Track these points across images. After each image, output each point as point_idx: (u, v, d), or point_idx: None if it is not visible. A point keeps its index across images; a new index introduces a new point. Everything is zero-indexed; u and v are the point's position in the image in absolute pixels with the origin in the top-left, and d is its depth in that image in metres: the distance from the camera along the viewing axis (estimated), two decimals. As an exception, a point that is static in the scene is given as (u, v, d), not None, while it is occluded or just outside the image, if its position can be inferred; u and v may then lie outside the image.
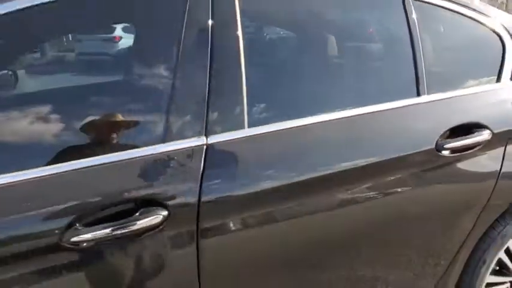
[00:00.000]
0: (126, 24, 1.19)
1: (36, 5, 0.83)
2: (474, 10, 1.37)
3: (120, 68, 1.03)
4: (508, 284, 1.45)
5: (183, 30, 0.95)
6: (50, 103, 0.94)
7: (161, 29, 0.98)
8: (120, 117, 0.91)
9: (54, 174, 0.81)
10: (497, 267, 1.40)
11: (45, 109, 0.90)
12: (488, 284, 1.40)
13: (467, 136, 1.19)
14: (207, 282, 0.93)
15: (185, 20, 0.96)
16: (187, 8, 0.96)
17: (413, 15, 1.22)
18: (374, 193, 1.11)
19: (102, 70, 1.00)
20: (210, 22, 0.98)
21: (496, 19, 1.42)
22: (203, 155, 0.92)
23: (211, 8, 0.97)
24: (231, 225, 0.95)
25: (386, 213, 1.15)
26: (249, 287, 1.03)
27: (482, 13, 1.39)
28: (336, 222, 1.09)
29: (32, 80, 1.08)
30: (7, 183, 0.78)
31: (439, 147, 1.16)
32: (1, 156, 0.84)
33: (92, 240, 0.82)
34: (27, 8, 0.83)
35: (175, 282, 0.92)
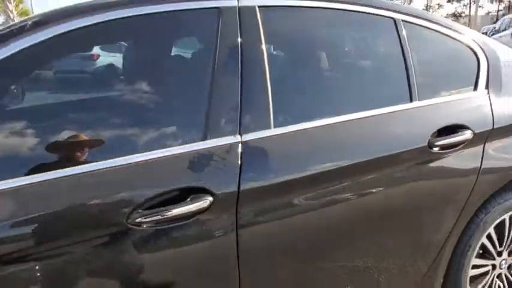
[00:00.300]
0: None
1: None
2: (452, 29, 1.62)
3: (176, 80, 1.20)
4: (490, 267, 1.66)
5: (217, 48, 1.13)
6: (125, 108, 1.10)
7: (201, 48, 1.16)
8: (172, 119, 1.08)
9: (126, 164, 0.97)
10: (481, 251, 1.60)
11: (120, 111, 1.07)
12: (474, 267, 1.60)
13: (454, 135, 1.41)
14: (244, 256, 1.09)
15: (218, 39, 1.14)
16: (219, 29, 1.15)
17: (404, 36, 1.45)
18: (379, 185, 1.30)
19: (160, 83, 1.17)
20: (239, 40, 1.17)
21: (469, 36, 1.67)
22: (239, 150, 1.10)
23: (240, 29, 1.16)
24: (264, 209, 1.12)
25: (390, 203, 1.34)
26: (278, 261, 1.19)
27: (459, 32, 1.63)
28: (345, 209, 1.27)
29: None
30: (96, 169, 0.94)
31: (430, 145, 1.36)
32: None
33: (152, 221, 0.98)
34: None
35: (218, 256, 1.08)
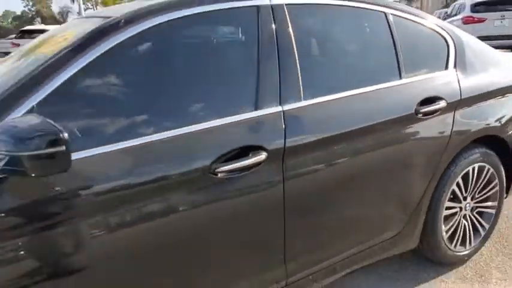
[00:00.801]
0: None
1: None
2: (427, 19, 2.02)
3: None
4: (458, 209, 2.10)
5: (259, 39, 1.46)
6: (206, 85, 1.41)
7: (248, 39, 1.48)
8: (236, 94, 1.41)
9: (207, 127, 1.29)
10: (452, 196, 2.04)
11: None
12: (446, 208, 2.04)
13: (433, 104, 1.81)
14: (288, 194, 1.44)
15: (259, 31, 1.47)
16: (259, 23, 1.48)
17: (393, 26, 1.83)
18: (380, 144, 1.69)
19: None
20: (274, 31, 1.50)
21: (440, 25, 2.08)
22: (282, 117, 1.44)
23: (274, 27, 1.50)
24: (301, 160, 1.47)
25: (387, 158, 1.73)
26: (311, 199, 1.55)
27: (432, 21, 2.04)
28: (355, 162, 1.64)
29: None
30: (189, 131, 1.25)
31: (416, 112, 1.76)
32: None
33: (229, 170, 1.31)
34: None
35: (271, 195, 1.42)
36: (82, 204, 1.12)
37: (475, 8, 10.79)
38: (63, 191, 1.09)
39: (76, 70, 1.18)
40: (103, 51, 1.23)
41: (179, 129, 1.26)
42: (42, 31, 13.69)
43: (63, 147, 0.95)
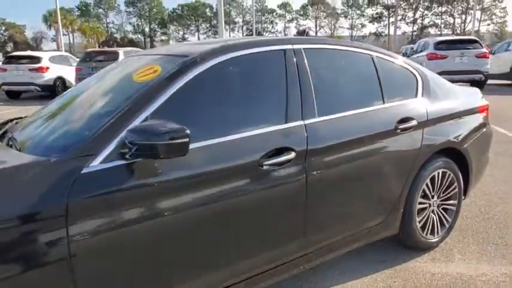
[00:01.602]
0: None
1: None
2: (401, 60, 2.70)
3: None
4: (428, 204, 2.71)
5: (286, 72, 2.06)
6: (259, 104, 1.99)
7: (279, 72, 2.08)
8: (274, 112, 2.00)
9: (258, 134, 1.86)
10: (423, 194, 2.65)
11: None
12: (419, 203, 2.64)
13: (406, 123, 2.44)
14: (310, 184, 2.00)
15: (286, 67, 2.07)
16: (285, 61, 2.08)
17: (378, 65, 2.48)
18: (369, 151, 2.29)
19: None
20: (295, 67, 2.10)
21: (410, 64, 2.76)
22: (304, 128, 2.02)
23: (296, 65, 2.10)
24: (318, 160, 2.04)
25: (374, 162, 2.33)
26: (327, 190, 2.11)
27: (404, 61, 2.72)
28: (354, 164, 2.23)
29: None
30: (247, 136, 1.81)
31: (395, 128, 2.39)
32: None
33: (271, 164, 1.86)
34: None
35: (298, 184, 1.98)
36: (186, 177, 1.66)
37: (437, 46, 11.98)
38: (178, 168, 1.63)
39: (172, 93, 1.73)
40: (188, 80, 1.79)
41: (239, 134, 1.83)
42: (29, 57, 13.99)
43: (187, 139, 1.49)
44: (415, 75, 2.75)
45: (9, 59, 13.89)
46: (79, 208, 1.44)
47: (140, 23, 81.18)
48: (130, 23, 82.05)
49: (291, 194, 1.98)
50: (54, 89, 13.64)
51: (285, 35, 75.37)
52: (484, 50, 12.02)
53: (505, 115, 7.35)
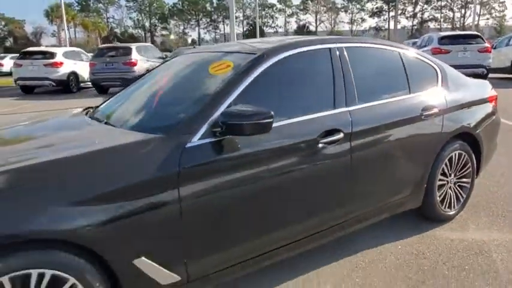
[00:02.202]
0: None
1: None
2: (424, 56, 3.09)
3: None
4: (446, 181, 3.11)
5: (332, 67, 2.46)
6: (317, 94, 2.38)
7: (327, 67, 2.47)
8: (325, 100, 2.39)
9: (317, 116, 2.26)
10: (442, 172, 3.06)
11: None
12: (439, 180, 3.04)
13: (430, 110, 2.84)
14: (354, 159, 2.40)
15: (332, 62, 2.47)
16: (331, 58, 2.48)
17: (405, 61, 2.88)
18: (399, 134, 2.68)
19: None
20: (339, 62, 2.50)
21: (431, 59, 3.15)
22: (349, 113, 2.42)
23: (340, 61, 2.49)
24: (360, 141, 2.44)
25: (403, 144, 2.72)
26: (367, 164, 2.51)
27: (426, 57, 3.11)
28: (386, 144, 2.63)
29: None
30: (311, 118, 2.22)
31: (420, 114, 2.79)
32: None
33: (325, 142, 2.26)
34: None
35: (344, 159, 2.38)
36: (268, 150, 2.06)
37: (441, 41, 12.35)
38: (256, 143, 2.02)
39: (247, 84, 2.13)
40: (258, 73, 2.18)
41: (299, 117, 2.23)
42: (43, 52, 14.32)
43: (271, 120, 1.89)
44: (435, 68, 3.15)
45: (24, 55, 14.23)
46: (186, 174, 1.83)
47: (140, 18, 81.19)
48: (130, 18, 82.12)
49: (338, 168, 2.39)
50: (68, 83, 14.03)
51: (286, 30, 75.71)
52: (486, 44, 12.42)
53: (506, 106, 7.82)
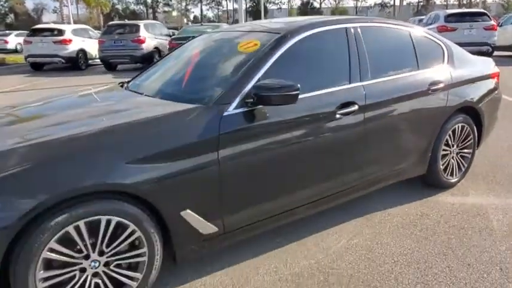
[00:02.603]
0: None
1: None
2: (432, 35, 3.32)
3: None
4: (449, 151, 3.39)
5: (348, 45, 2.71)
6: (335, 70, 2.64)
7: (343, 45, 2.71)
8: (342, 76, 2.65)
9: (334, 90, 2.53)
10: (445, 143, 3.33)
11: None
12: (443, 150, 3.32)
13: (436, 85, 3.10)
14: (367, 129, 2.68)
15: (348, 41, 2.72)
16: (347, 37, 2.72)
17: (414, 40, 3.12)
18: (407, 107, 2.94)
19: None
20: (355, 40, 2.74)
21: (439, 38, 3.39)
22: (363, 87, 2.68)
23: (355, 39, 2.74)
24: (371, 112, 2.71)
25: (412, 116, 2.99)
26: (377, 133, 2.79)
27: (434, 36, 3.34)
28: (394, 115, 2.90)
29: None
30: (325, 92, 2.48)
31: (428, 89, 3.04)
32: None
33: (342, 113, 2.54)
34: None
35: (360, 128, 2.65)
36: (292, 119, 2.34)
37: (447, 18, 12.41)
38: (282, 112, 2.30)
39: (273, 60, 2.39)
40: (283, 51, 2.44)
41: (320, 91, 2.49)
42: (52, 30, 14.45)
43: (298, 92, 2.16)
44: (442, 47, 3.38)
45: (33, 32, 14.37)
46: (224, 139, 2.11)
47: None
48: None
49: (353, 137, 2.66)
50: (77, 60, 14.21)
51: (290, 6, 74.71)
52: (492, 22, 12.48)
53: (507, 83, 8.03)
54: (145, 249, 1.98)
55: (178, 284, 2.25)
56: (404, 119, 2.96)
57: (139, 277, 2.00)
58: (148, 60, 13.77)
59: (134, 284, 1.99)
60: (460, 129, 3.38)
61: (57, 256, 1.77)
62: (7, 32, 29.40)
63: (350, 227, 2.85)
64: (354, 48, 2.74)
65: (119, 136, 1.98)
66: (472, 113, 3.44)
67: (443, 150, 3.34)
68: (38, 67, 14.48)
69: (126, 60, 13.58)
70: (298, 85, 2.17)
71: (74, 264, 1.82)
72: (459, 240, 2.66)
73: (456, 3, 68.19)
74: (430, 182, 3.44)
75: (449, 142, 3.36)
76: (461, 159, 3.51)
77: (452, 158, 3.44)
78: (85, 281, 1.87)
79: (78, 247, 1.82)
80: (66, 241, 1.78)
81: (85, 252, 1.84)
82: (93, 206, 1.81)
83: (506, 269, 2.33)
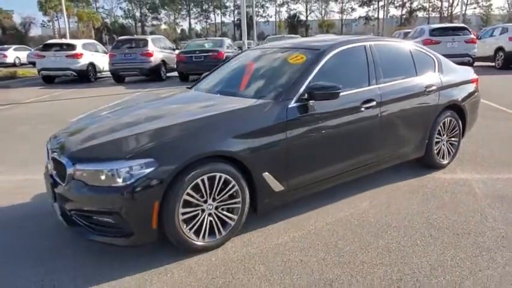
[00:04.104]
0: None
1: None
2: (425, 49, 4.33)
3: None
4: (441, 139, 4.37)
5: (367, 57, 3.69)
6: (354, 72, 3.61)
7: (363, 58, 3.69)
8: (362, 80, 3.62)
9: (358, 91, 3.50)
10: (438, 132, 4.31)
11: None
12: (436, 138, 4.29)
13: (431, 87, 4.09)
14: (381, 121, 3.64)
15: (366, 55, 3.70)
16: (366, 52, 3.71)
17: (413, 54, 4.13)
18: (409, 104, 3.92)
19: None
20: (371, 54, 3.73)
21: (431, 52, 4.40)
22: (378, 89, 3.65)
23: (371, 53, 3.73)
24: (385, 106, 3.67)
25: (411, 112, 3.96)
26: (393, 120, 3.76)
27: (427, 50, 4.36)
28: (400, 111, 3.86)
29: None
30: (353, 92, 3.45)
31: (424, 90, 4.03)
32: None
33: (365, 107, 3.49)
34: None
35: (375, 119, 3.61)
36: (332, 110, 3.27)
37: (432, 32, 13.67)
38: (339, 104, 3.24)
39: (317, 69, 3.34)
40: (323, 62, 3.39)
41: (349, 91, 3.44)
42: (64, 44, 15.25)
43: (340, 91, 3.10)
44: (432, 58, 4.39)
45: (45, 47, 15.16)
46: (289, 123, 3.04)
47: (131, 8, 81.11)
48: (120, 8, 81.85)
49: (373, 125, 3.62)
50: (87, 73, 15.02)
51: (279, 19, 76.46)
52: (472, 36, 13.76)
53: (487, 90, 9.20)
54: (239, 199, 2.88)
55: (254, 228, 3.14)
56: (408, 113, 3.94)
57: (235, 218, 2.90)
58: (155, 72, 14.68)
59: (232, 222, 2.89)
60: (448, 122, 4.36)
61: (191, 199, 2.66)
62: (5, 46, 30.05)
63: (369, 193, 3.79)
64: (370, 59, 3.72)
65: (225, 120, 2.90)
66: (457, 109, 4.43)
67: (436, 138, 4.31)
68: (49, 80, 15.24)
69: (135, 73, 14.45)
70: (340, 86, 3.12)
71: (198, 205, 2.72)
72: (451, 200, 3.62)
73: (438, 16, 70.92)
74: (426, 163, 4.40)
75: (441, 132, 4.35)
76: (450, 146, 4.49)
77: (443, 144, 4.42)
78: (203, 218, 2.76)
79: (201, 194, 2.71)
80: (196, 189, 2.68)
81: (205, 198, 2.74)
82: (212, 166, 2.72)
83: (485, 214, 3.29)
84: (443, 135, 4.39)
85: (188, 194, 2.64)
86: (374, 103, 3.56)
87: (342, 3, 77.84)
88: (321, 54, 3.46)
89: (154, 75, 14.63)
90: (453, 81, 4.41)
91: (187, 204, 2.66)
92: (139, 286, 2.45)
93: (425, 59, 4.33)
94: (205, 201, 2.75)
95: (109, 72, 15.73)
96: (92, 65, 15.20)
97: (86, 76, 14.97)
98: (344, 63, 3.64)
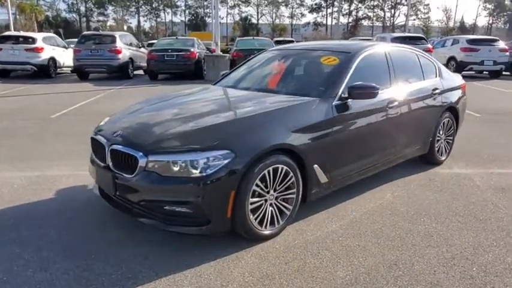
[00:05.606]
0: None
1: None
2: (429, 57, 4.78)
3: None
4: (441, 137, 4.82)
5: (387, 61, 4.03)
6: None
7: (385, 63, 4.02)
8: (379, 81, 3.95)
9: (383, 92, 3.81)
10: (439, 131, 4.76)
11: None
12: (437, 136, 4.74)
13: (436, 90, 4.52)
14: (401, 122, 3.98)
15: (387, 59, 4.04)
16: (387, 57, 4.05)
17: (420, 59, 4.55)
18: (417, 105, 4.31)
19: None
20: (390, 59, 4.08)
21: (432, 58, 4.85)
22: (398, 90, 4.00)
23: (390, 57, 4.07)
24: (401, 106, 4.02)
25: (420, 113, 4.36)
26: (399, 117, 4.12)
27: (430, 57, 4.80)
28: (409, 112, 4.25)
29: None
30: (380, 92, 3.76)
31: (431, 93, 4.45)
32: None
33: (388, 107, 3.82)
34: None
35: (396, 121, 3.95)
36: (366, 109, 3.54)
37: (393, 41, 14.51)
38: (370, 103, 3.52)
39: (352, 70, 3.61)
40: (356, 64, 3.67)
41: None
42: (24, 37, 14.42)
43: (377, 91, 3.38)
44: (434, 64, 4.84)
45: (2, 39, 14.21)
46: (335, 119, 3.28)
47: (75, 1, 77.41)
48: (64, 1, 77.82)
49: (395, 122, 3.96)
50: (48, 68, 14.31)
51: (234, 21, 76.67)
52: (429, 45, 14.87)
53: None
54: (295, 190, 3.07)
55: (301, 218, 3.34)
56: (421, 113, 4.33)
57: (290, 208, 3.08)
58: (123, 69, 14.29)
59: (288, 212, 3.07)
60: (447, 122, 4.83)
61: (258, 189, 2.81)
62: None
63: (388, 186, 4.13)
64: (390, 63, 4.06)
65: (285, 115, 3.08)
66: (453, 110, 4.92)
67: (438, 136, 4.76)
68: (4, 74, 14.32)
69: (102, 70, 13.99)
70: (378, 86, 3.41)
71: (263, 196, 2.87)
72: (461, 191, 4.04)
73: (381, 25, 74.83)
74: (428, 160, 4.83)
75: (441, 131, 4.80)
76: (446, 144, 4.97)
77: (442, 142, 4.88)
78: (266, 208, 2.91)
79: (266, 185, 2.87)
80: (262, 180, 2.83)
81: (269, 189, 2.89)
82: (276, 158, 2.88)
83: (495, 203, 3.74)
84: (442, 133, 4.85)
85: (256, 185, 2.79)
86: (396, 103, 3.90)
87: (292, 8, 79.84)
88: (353, 57, 3.73)
89: (121, 72, 14.25)
90: (450, 86, 4.89)
91: (254, 194, 2.81)
92: (220, 272, 2.56)
93: (429, 65, 4.77)
94: (268, 192, 2.91)
95: (69, 68, 15.08)
96: (52, 59, 14.49)
97: (47, 71, 14.24)
98: (370, 65, 3.93)
